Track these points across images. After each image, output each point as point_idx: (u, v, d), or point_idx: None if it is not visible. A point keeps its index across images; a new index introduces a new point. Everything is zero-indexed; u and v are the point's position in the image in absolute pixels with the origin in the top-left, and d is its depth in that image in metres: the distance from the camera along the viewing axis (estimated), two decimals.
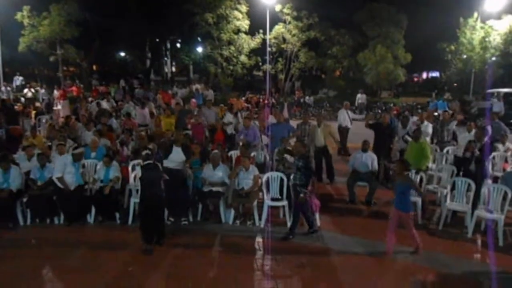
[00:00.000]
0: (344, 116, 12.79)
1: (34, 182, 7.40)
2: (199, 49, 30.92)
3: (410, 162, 8.02)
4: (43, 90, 19.85)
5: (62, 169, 7.28)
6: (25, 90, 20.60)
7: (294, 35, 23.50)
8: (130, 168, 8.10)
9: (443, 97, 20.81)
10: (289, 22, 23.48)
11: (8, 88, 22.09)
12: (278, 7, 22.49)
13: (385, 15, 24.12)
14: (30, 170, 7.67)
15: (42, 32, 23.14)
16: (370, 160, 8.62)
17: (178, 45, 39.12)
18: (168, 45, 40.63)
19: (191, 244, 6.58)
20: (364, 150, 8.71)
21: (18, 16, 22.80)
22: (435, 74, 42.07)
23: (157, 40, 37.82)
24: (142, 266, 5.89)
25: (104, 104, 14.66)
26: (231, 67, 24.62)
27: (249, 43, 23.81)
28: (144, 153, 6.43)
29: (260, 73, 31.34)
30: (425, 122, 10.40)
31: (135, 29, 28.79)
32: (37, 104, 19.57)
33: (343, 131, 12.61)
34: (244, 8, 23.29)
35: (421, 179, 7.82)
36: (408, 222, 6.09)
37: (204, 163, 8.23)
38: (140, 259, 6.10)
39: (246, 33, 23.79)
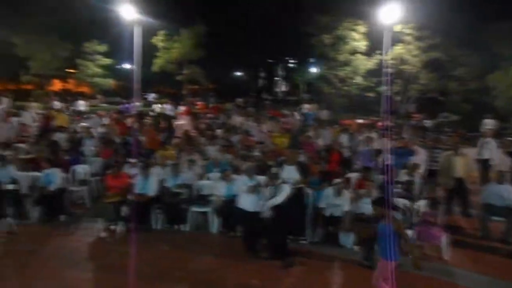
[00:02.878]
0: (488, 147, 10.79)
1: (168, 190, 8.10)
2: (313, 70, 31.28)
3: None
4: (169, 106, 21.81)
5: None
6: (155, 106, 22.87)
7: (414, 55, 22.42)
8: None
9: None
10: (409, 43, 22.52)
11: (139, 103, 24.77)
12: (398, 27, 21.73)
13: None
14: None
15: (173, 54, 25.64)
16: (507, 193, 7.77)
17: (291, 65, 40.20)
18: (282, 65, 42.02)
19: (308, 264, 6.58)
20: (500, 182, 7.90)
21: (155, 40, 25.56)
22: None
23: (271, 60, 39.39)
24: (264, 279, 6.08)
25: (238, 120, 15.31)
26: (345, 88, 24.38)
27: (365, 64, 23.36)
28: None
29: (372, 94, 30.50)
30: None
31: (252, 50, 30.36)
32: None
33: (484, 164, 10.71)
34: (362, 29, 23.01)
35: None
36: (380, 272, 4.96)
37: (323, 182, 8.23)
38: (262, 271, 6.29)
39: (363, 53, 23.41)
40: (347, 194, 7.52)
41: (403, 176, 8.64)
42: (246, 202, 6.94)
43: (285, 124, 14.26)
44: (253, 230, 6.89)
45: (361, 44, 23.32)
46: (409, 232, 7.01)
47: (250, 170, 7.09)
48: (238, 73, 41.67)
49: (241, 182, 7.07)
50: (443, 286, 5.97)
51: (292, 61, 39.49)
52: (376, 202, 5.15)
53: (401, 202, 7.27)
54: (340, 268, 6.65)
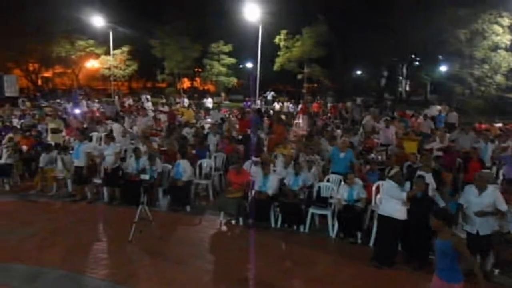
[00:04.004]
0: None
1: (287, 190, 8.02)
2: (442, 68, 28.72)
3: None
4: (291, 104, 22.01)
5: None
6: (275, 104, 23.31)
7: None
8: (374, 188, 7.93)
9: None
10: None
11: (259, 101, 25.52)
12: None
13: None
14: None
15: (294, 52, 25.83)
16: None
17: (416, 63, 37.56)
18: (406, 63, 39.40)
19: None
20: None
21: (277, 39, 26.04)
22: None
23: (395, 58, 37.16)
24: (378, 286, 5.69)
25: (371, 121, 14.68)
26: (482, 88, 21.81)
27: (509, 61, 20.55)
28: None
29: None
30: None
31: (375, 48, 28.98)
32: (282, 116, 21.78)
33: None
34: (506, 22, 20.27)
35: None
36: None
37: (456, 193, 7.37)
38: (378, 280, 5.87)
39: (506, 49, 20.64)
40: (492, 190, 6.01)
41: None
42: (392, 209, 6.20)
43: (414, 126, 13.24)
44: (395, 238, 6.39)
45: (505, 39, 20.55)
46: None
47: (398, 175, 6.34)
48: (359, 72, 40.27)
49: (386, 187, 6.37)
50: None
51: (418, 58, 36.77)
52: (436, 214, 4.48)
53: None
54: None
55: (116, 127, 13.02)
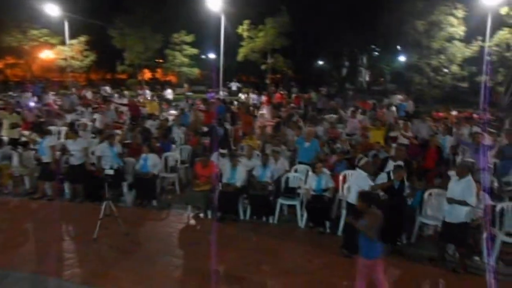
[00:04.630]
0: None
1: (255, 179, 7.98)
2: (401, 58, 29.53)
3: None
4: (255, 95, 21.92)
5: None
6: (240, 95, 23.15)
7: None
8: (341, 177, 8.04)
9: None
10: None
11: (225, 92, 25.30)
12: (504, 10, 19.49)
13: None
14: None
15: (258, 43, 25.69)
16: None
17: (376, 53, 38.42)
18: (366, 54, 40.25)
19: (403, 267, 6.12)
20: None
21: (240, 29, 25.80)
22: None
23: (355, 49, 37.84)
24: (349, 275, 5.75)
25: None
26: (439, 78, 22.55)
27: (463, 51, 21.33)
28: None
29: (466, 85, 28.06)
30: None
31: (336, 39, 29.36)
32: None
33: None
34: (460, 13, 20.97)
35: None
36: (375, 271, 4.72)
37: (419, 181, 7.61)
38: (348, 269, 5.96)
39: (460, 40, 21.40)
40: (467, 180, 5.86)
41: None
42: None
43: (380, 116, 13.53)
44: None
45: (459, 30, 21.27)
46: None
47: (368, 165, 6.49)
48: (321, 62, 40.74)
49: (355, 177, 6.51)
50: None
51: (378, 49, 37.63)
52: (362, 196, 4.93)
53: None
54: (438, 274, 6.07)
55: (99, 118, 12.96)
